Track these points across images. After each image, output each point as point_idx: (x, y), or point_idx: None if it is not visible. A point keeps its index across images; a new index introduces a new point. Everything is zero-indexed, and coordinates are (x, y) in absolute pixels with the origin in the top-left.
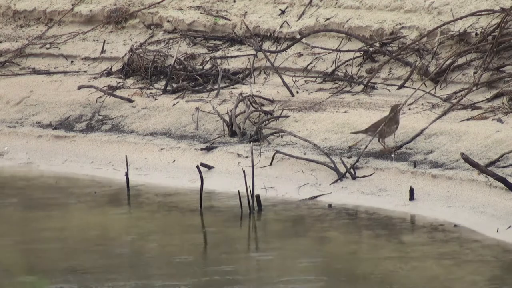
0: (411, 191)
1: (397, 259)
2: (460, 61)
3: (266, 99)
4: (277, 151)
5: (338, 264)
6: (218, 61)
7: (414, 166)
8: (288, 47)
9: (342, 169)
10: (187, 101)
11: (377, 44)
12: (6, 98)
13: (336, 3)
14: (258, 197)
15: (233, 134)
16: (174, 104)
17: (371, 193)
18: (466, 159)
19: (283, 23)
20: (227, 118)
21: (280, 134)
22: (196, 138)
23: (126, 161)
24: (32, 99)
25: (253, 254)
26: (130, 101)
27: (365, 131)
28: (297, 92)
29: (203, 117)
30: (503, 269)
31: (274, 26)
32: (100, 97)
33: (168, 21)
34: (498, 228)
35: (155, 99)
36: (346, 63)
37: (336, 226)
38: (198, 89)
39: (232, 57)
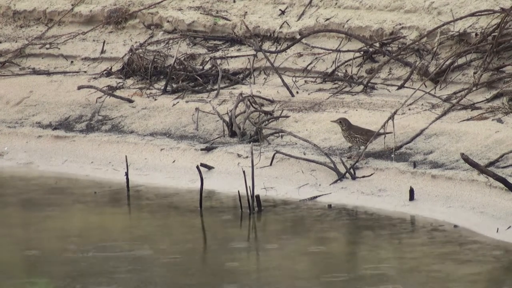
0: (411, 192)
1: (397, 260)
2: (460, 61)
3: (266, 99)
4: (277, 151)
5: (338, 265)
6: (218, 61)
7: (414, 166)
8: (288, 47)
9: (342, 169)
10: (187, 101)
11: (377, 44)
12: (6, 98)
13: (336, 3)
14: (258, 197)
15: (233, 134)
16: (174, 105)
17: (371, 194)
18: (466, 159)
19: (283, 23)
20: (227, 118)
21: (280, 134)
22: (196, 138)
23: (126, 161)
24: (32, 99)
25: (253, 254)
26: (130, 101)
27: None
28: (297, 92)
29: (203, 117)
30: (503, 269)
31: (274, 26)
32: (100, 97)
33: (168, 21)
34: (498, 229)
35: (155, 99)
36: (346, 63)
37: (336, 227)
38: (198, 89)
39: (232, 57)
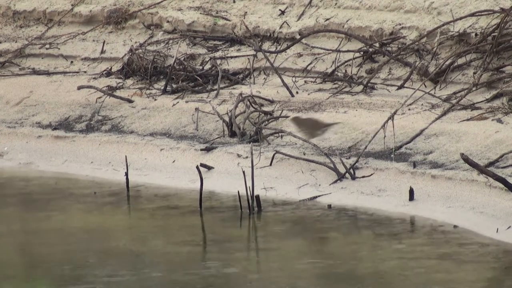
0: (411, 192)
1: (397, 260)
2: (460, 61)
3: (266, 100)
4: (277, 152)
5: (338, 265)
6: (218, 61)
7: (414, 167)
8: (288, 47)
9: (342, 170)
10: (187, 102)
11: (377, 45)
12: (6, 98)
13: (336, 4)
14: (258, 197)
15: (233, 134)
16: (174, 105)
17: (371, 194)
18: (466, 159)
19: (283, 24)
20: (227, 119)
21: (280, 134)
22: (196, 138)
23: (126, 161)
24: (32, 99)
25: (253, 255)
26: (130, 101)
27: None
28: (297, 92)
29: (203, 118)
30: (503, 269)
31: (274, 26)
32: (99, 98)
33: (167, 22)
34: (498, 229)
35: (155, 100)
36: (346, 64)
37: (335, 227)
38: (197, 89)
39: (231, 57)
